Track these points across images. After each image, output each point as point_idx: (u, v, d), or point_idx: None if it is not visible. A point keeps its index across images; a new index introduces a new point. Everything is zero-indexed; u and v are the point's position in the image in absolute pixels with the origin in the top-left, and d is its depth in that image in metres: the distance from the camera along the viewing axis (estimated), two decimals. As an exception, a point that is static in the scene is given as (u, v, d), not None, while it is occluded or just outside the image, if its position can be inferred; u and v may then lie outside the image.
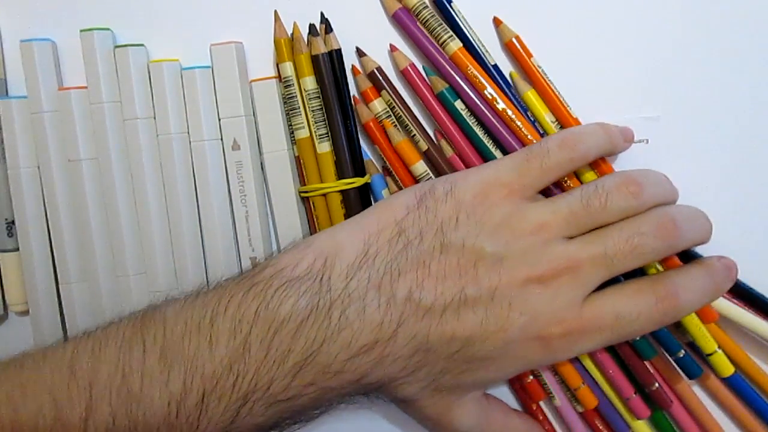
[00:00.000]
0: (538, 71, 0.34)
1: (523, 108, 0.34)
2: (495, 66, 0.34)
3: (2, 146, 0.36)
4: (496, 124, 0.33)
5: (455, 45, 0.33)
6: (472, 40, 0.34)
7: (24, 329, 0.37)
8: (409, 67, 0.34)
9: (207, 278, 0.36)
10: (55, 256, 0.36)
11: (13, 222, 0.36)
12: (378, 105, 0.34)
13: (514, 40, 0.34)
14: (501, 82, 0.34)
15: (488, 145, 0.34)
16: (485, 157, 0.34)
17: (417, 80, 0.34)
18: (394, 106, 0.34)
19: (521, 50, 0.34)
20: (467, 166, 0.34)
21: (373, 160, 0.36)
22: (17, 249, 0.36)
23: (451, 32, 0.33)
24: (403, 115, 0.34)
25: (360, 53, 0.35)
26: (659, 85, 0.35)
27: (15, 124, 0.35)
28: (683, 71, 0.35)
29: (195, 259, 0.36)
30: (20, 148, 0.35)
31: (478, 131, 0.34)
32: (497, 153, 0.34)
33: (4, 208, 0.36)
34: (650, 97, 0.35)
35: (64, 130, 0.35)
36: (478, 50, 0.34)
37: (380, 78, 0.34)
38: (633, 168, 0.34)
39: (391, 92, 0.34)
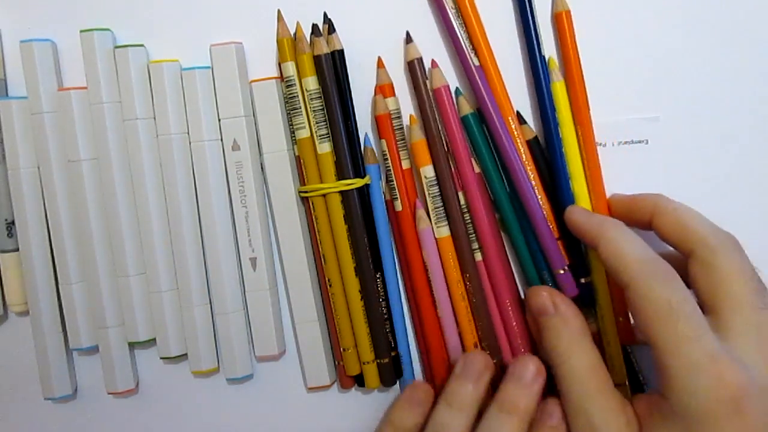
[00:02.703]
0: (576, 51, 0.34)
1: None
2: (542, 58, 0.34)
3: (2, 146, 0.36)
4: (511, 155, 0.33)
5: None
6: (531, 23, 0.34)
7: (24, 329, 0.37)
8: (443, 89, 0.34)
9: (207, 278, 0.36)
10: (55, 256, 0.36)
11: (13, 222, 0.36)
12: (392, 103, 0.35)
13: (564, 15, 0.34)
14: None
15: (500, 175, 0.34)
16: (490, 180, 0.34)
17: (446, 103, 0.34)
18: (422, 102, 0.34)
19: (567, 27, 0.34)
20: (464, 186, 0.34)
21: (374, 150, 0.36)
22: (17, 249, 0.36)
23: None
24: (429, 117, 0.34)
25: (408, 39, 0.34)
26: (659, 85, 0.35)
27: (15, 124, 0.35)
28: (683, 71, 0.35)
29: (195, 259, 0.36)
30: (20, 148, 0.35)
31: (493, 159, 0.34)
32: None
33: (4, 208, 0.36)
34: (650, 97, 0.35)
35: (64, 131, 0.35)
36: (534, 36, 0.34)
37: (417, 69, 0.34)
38: (633, 168, 0.34)
39: (424, 88, 0.34)
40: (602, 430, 0.29)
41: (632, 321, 0.34)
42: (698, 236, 0.30)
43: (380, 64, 0.35)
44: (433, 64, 0.34)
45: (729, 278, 0.29)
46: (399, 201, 0.35)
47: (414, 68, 0.34)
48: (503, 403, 0.32)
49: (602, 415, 0.30)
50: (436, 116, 0.34)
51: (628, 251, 0.30)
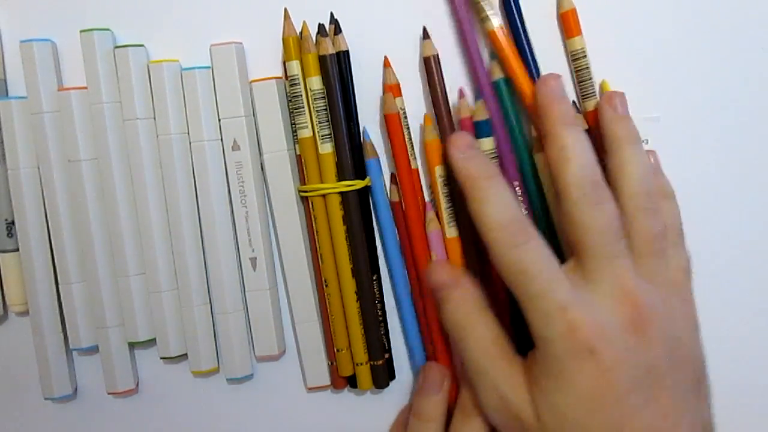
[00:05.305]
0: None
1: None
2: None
3: (2, 146, 0.36)
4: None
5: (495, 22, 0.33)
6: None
7: (24, 329, 0.37)
8: (467, 120, 0.34)
9: (207, 278, 0.36)
10: (55, 256, 0.36)
11: (13, 222, 0.36)
12: (400, 103, 0.34)
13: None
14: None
15: None
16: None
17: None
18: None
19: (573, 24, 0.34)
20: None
21: (373, 144, 0.36)
22: (17, 249, 0.36)
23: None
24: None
25: (425, 35, 0.34)
26: (659, 85, 0.35)
27: (15, 124, 0.35)
28: (683, 71, 0.35)
29: (195, 259, 0.36)
30: (20, 148, 0.35)
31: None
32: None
33: (4, 208, 0.36)
34: (650, 97, 0.35)
35: (64, 131, 0.35)
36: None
37: (433, 66, 0.34)
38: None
39: (439, 86, 0.34)
40: (509, 395, 0.30)
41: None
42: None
43: (386, 63, 0.35)
44: (461, 93, 0.34)
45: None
46: (403, 201, 0.35)
47: (430, 65, 0.34)
48: (464, 407, 0.33)
49: (506, 381, 0.30)
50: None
51: (490, 214, 0.30)
